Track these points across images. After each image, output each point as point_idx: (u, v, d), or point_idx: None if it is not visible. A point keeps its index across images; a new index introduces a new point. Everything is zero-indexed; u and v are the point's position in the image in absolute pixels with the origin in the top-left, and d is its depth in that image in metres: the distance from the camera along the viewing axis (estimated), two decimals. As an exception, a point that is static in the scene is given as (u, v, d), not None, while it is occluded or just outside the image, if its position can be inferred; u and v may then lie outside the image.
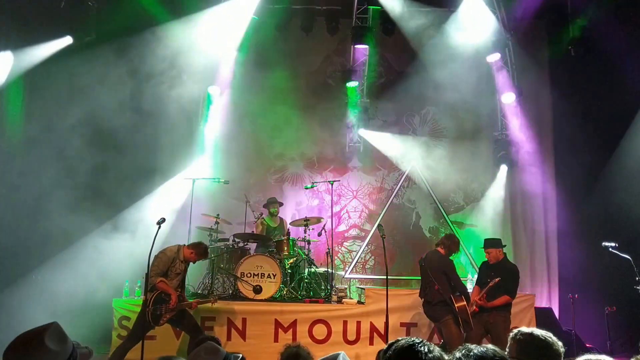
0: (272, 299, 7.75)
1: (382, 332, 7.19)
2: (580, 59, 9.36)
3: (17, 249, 8.36)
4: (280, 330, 7.49)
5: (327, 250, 8.68)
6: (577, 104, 9.26)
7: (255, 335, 7.44)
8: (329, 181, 9.70)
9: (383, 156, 10.52)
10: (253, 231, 9.10)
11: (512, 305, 6.73)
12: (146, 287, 6.33)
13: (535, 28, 10.27)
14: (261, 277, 7.79)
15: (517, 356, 2.73)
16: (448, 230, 10.15)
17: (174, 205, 9.37)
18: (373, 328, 7.61)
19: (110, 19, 8.85)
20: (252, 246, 8.90)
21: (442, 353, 2.16)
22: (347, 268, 10.33)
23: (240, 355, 3.11)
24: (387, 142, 10.50)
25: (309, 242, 8.63)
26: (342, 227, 10.53)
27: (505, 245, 7.01)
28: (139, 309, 6.70)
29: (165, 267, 6.49)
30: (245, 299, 7.71)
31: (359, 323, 7.64)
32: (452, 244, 6.90)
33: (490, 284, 6.56)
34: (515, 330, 2.83)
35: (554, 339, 2.73)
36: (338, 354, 2.61)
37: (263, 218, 9.10)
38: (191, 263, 6.89)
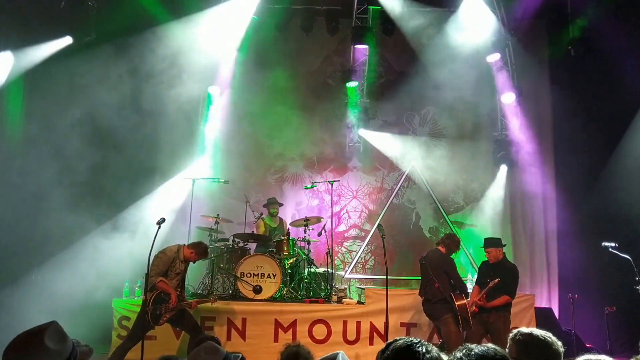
0: (272, 299, 7.75)
1: (382, 332, 7.18)
2: (580, 59, 9.36)
3: (17, 249, 8.35)
4: (280, 330, 7.49)
5: (327, 250, 8.68)
6: (577, 104, 9.25)
7: (255, 335, 7.44)
8: (328, 181, 9.69)
9: (383, 156, 10.52)
10: (253, 231, 9.10)
11: (511, 305, 6.74)
12: (146, 287, 6.33)
13: (535, 28, 10.27)
14: (261, 277, 7.79)
15: (517, 356, 2.72)
16: (448, 230, 10.14)
17: (173, 205, 9.36)
18: (373, 328, 7.61)
19: (110, 19, 8.85)
20: (252, 246, 8.90)
21: (440, 353, 2.16)
22: (347, 268, 10.33)
23: (240, 355, 3.11)
24: (387, 142, 10.50)
25: (308, 242, 8.63)
26: (342, 227, 10.53)
27: (505, 245, 7.01)
28: (138, 309, 6.70)
29: (165, 267, 6.49)
30: (245, 299, 7.71)
31: (358, 323, 7.64)
32: (452, 243, 6.92)
33: (489, 285, 6.56)
34: (514, 331, 2.83)
35: (554, 338, 2.73)
36: (337, 354, 2.61)
37: (263, 218, 9.10)
38: (191, 263, 6.90)
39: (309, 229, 8.66)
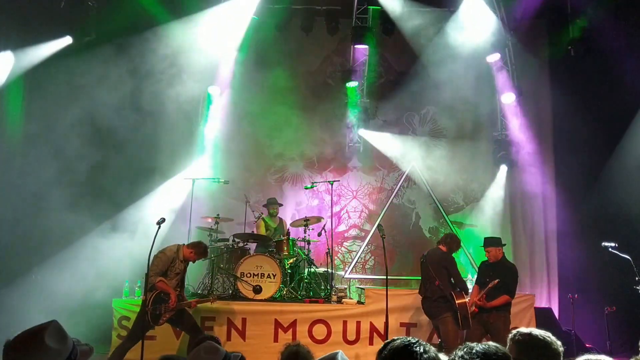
0: (272, 299, 7.75)
1: (382, 332, 7.17)
2: (580, 59, 9.36)
3: (17, 248, 8.36)
4: (280, 330, 7.49)
5: (327, 250, 8.67)
6: (577, 104, 9.25)
7: (255, 335, 7.43)
8: (328, 181, 9.70)
9: (383, 156, 10.52)
10: (253, 231, 9.10)
11: (511, 305, 6.74)
12: (146, 287, 6.33)
13: (535, 28, 10.27)
14: (261, 277, 7.79)
15: (517, 357, 2.72)
16: (448, 230, 10.15)
17: (173, 205, 9.37)
18: (373, 328, 7.60)
19: (110, 19, 8.85)
20: (252, 246, 8.90)
21: (438, 353, 2.16)
22: (347, 268, 10.33)
23: (240, 355, 3.11)
24: (387, 142, 10.51)
25: (308, 242, 8.63)
26: (342, 227, 10.53)
27: (505, 244, 7.01)
28: (138, 309, 6.70)
29: (165, 267, 6.49)
30: (245, 299, 7.71)
31: (358, 323, 7.63)
32: (453, 242, 6.95)
33: (489, 286, 6.57)
34: (514, 332, 2.83)
35: (553, 338, 2.73)
36: (336, 353, 2.61)
37: (263, 218, 9.10)
38: (190, 263, 6.90)
39: (308, 229, 8.65)
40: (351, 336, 7.59)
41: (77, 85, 8.87)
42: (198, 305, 6.85)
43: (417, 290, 7.11)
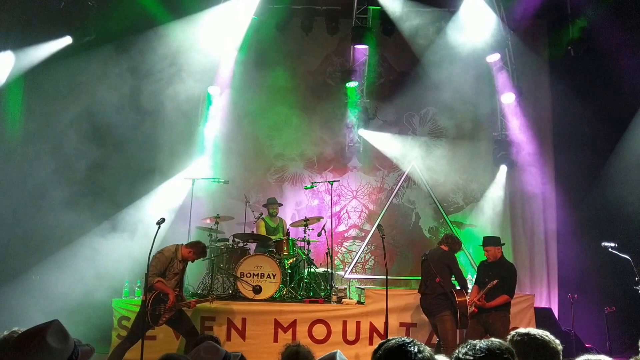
0: (271, 299, 7.75)
1: (382, 332, 7.18)
2: (580, 59, 9.37)
3: (16, 247, 8.37)
4: (279, 330, 7.48)
5: (327, 251, 8.67)
6: (577, 104, 9.25)
7: (254, 335, 7.43)
8: (328, 181, 9.70)
9: (383, 156, 10.52)
10: (253, 231, 9.10)
11: (511, 305, 6.74)
12: (146, 287, 6.34)
13: (535, 28, 10.29)
14: (261, 277, 7.79)
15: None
16: (448, 230, 10.16)
17: (173, 205, 9.37)
18: (372, 328, 7.60)
19: (110, 19, 8.85)
20: (252, 246, 8.90)
21: (432, 353, 2.17)
22: (346, 268, 10.34)
23: (240, 354, 3.12)
24: (386, 142, 10.51)
25: (308, 242, 8.62)
26: (341, 227, 10.53)
27: (504, 244, 7.02)
28: (138, 309, 6.70)
29: (163, 267, 6.48)
30: (244, 299, 7.70)
31: (358, 323, 7.63)
32: (454, 242, 6.96)
33: (488, 286, 6.57)
34: (512, 332, 2.84)
35: (551, 337, 2.73)
36: (335, 353, 2.62)
37: (263, 218, 9.10)
38: (190, 263, 6.90)
39: (308, 229, 8.66)
40: (351, 336, 7.59)
41: (77, 85, 8.89)
42: (198, 305, 6.85)
43: (417, 290, 7.10)
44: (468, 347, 2.12)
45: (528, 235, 10.33)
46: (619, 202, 8.68)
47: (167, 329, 6.96)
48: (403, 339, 2.18)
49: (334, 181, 9.69)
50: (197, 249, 6.69)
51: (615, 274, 8.07)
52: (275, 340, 7.41)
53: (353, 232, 10.56)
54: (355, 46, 9.98)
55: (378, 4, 9.53)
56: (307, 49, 10.60)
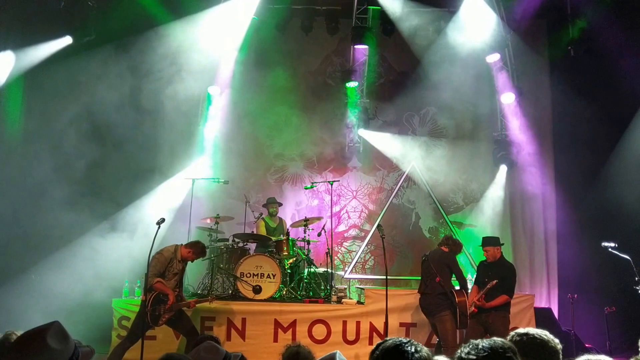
0: (271, 299, 7.75)
1: (382, 332, 7.17)
2: (580, 59, 9.38)
3: (16, 247, 8.36)
4: (279, 330, 7.49)
5: (327, 251, 8.67)
6: (576, 104, 9.25)
7: (254, 335, 7.43)
8: (328, 181, 9.70)
9: (383, 156, 10.52)
10: (253, 231, 9.10)
11: (511, 305, 6.74)
12: (146, 288, 6.34)
13: (535, 28, 10.28)
14: (261, 277, 7.79)
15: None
16: (447, 230, 10.17)
17: (173, 205, 9.37)
18: (372, 328, 7.60)
19: (110, 19, 8.85)
20: (252, 246, 8.90)
21: (429, 353, 2.17)
22: (346, 268, 10.34)
23: (240, 354, 3.12)
24: (386, 142, 10.50)
25: (308, 242, 8.63)
26: (341, 227, 10.53)
27: (503, 244, 7.02)
28: (138, 309, 6.70)
29: (162, 267, 6.48)
30: (244, 299, 7.70)
31: (358, 323, 7.63)
32: (455, 245, 6.99)
33: (488, 286, 6.57)
34: (511, 333, 2.84)
35: (550, 336, 2.73)
36: (334, 354, 2.62)
37: (263, 218, 9.10)
38: (190, 263, 6.90)
39: (308, 229, 8.66)
40: (351, 336, 7.59)
41: (77, 85, 8.89)
42: (197, 305, 6.85)
43: (417, 290, 7.11)
44: (471, 346, 2.12)
45: (528, 235, 10.33)
46: (619, 202, 8.68)
47: (167, 329, 6.96)
48: (400, 339, 2.19)
49: (334, 181, 9.69)
50: (196, 249, 6.69)
51: (615, 274, 8.07)
52: (275, 340, 7.41)
53: (353, 232, 10.56)
54: (355, 46, 9.98)
55: (378, 4, 9.52)
56: (307, 49, 10.61)
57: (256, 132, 10.19)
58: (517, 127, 10.05)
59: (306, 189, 9.94)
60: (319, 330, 7.54)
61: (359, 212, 10.61)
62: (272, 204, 9.19)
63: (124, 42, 9.05)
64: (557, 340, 2.72)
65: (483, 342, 2.12)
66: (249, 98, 10.05)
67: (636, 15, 8.79)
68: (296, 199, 10.48)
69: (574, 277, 9.30)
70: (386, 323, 6.18)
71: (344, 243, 10.50)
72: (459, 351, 2.15)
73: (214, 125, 10.11)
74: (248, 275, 7.78)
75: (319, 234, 8.73)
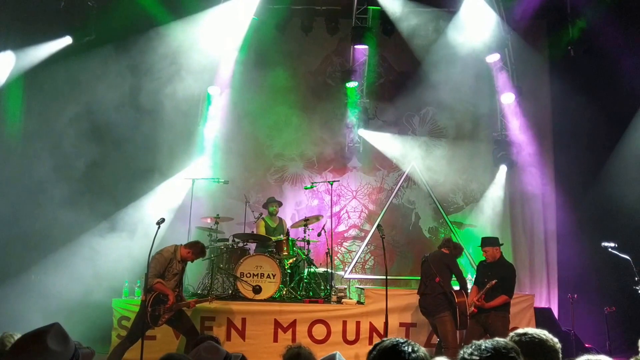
0: (271, 299, 7.75)
1: (382, 332, 7.16)
2: (580, 59, 9.37)
3: (15, 247, 8.36)
4: (279, 330, 7.49)
5: (327, 251, 8.67)
6: (576, 104, 9.25)
7: (254, 335, 7.44)
8: (328, 181, 9.70)
9: (383, 156, 10.52)
10: (253, 231, 9.10)
11: (510, 305, 6.74)
12: (145, 288, 6.33)
13: (535, 28, 10.28)
14: (261, 277, 7.79)
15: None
16: (447, 230, 10.18)
17: (173, 204, 9.36)
18: (372, 328, 7.60)
19: (110, 19, 8.85)
20: (252, 246, 8.90)
21: (427, 353, 2.17)
22: (346, 268, 10.33)
23: (241, 355, 3.12)
24: (386, 143, 10.50)
25: (308, 242, 8.63)
26: (341, 227, 10.53)
27: (502, 244, 7.02)
28: (138, 309, 6.70)
29: (162, 268, 6.48)
30: (244, 299, 7.70)
31: (358, 323, 7.64)
32: (455, 248, 7.03)
33: (487, 286, 6.57)
34: (510, 334, 2.84)
35: (549, 335, 2.73)
36: (334, 355, 2.62)
37: (263, 218, 9.10)
38: (189, 262, 6.90)
39: (308, 229, 8.66)
40: (351, 336, 7.60)
41: (77, 85, 8.88)
42: (197, 305, 6.85)
43: (416, 292, 7.11)
44: (473, 347, 2.12)
45: (528, 236, 10.33)
46: (618, 202, 8.68)
47: (167, 328, 6.97)
48: (397, 339, 2.19)
49: (334, 181, 9.69)
50: (195, 249, 6.69)
51: (615, 274, 8.07)
52: (275, 340, 7.42)
53: (353, 232, 10.55)
54: (355, 46, 9.97)
55: (378, 4, 9.51)
56: (307, 49, 10.60)
57: (256, 132, 10.18)
58: (517, 127, 10.05)
59: (306, 189, 9.94)
60: (319, 330, 7.55)
61: (358, 212, 10.61)
62: (272, 203, 9.18)
63: (124, 42, 9.04)
64: (556, 340, 2.72)
65: (486, 343, 2.11)
66: (249, 98, 10.05)
67: (636, 15, 8.80)
68: (296, 199, 10.48)
69: (574, 277, 9.30)
70: (386, 323, 6.18)
71: (344, 243, 10.50)
72: (462, 352, 2.15)
73: (214, 125, 10.10)
74: (248, 275, 7.78)
75: (319, 234, 8.73)
